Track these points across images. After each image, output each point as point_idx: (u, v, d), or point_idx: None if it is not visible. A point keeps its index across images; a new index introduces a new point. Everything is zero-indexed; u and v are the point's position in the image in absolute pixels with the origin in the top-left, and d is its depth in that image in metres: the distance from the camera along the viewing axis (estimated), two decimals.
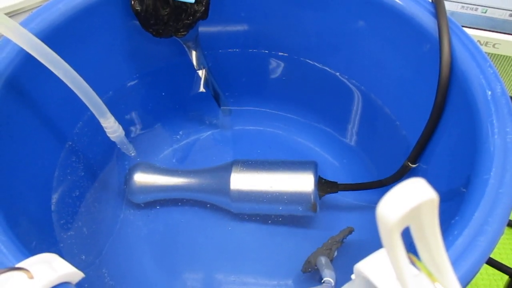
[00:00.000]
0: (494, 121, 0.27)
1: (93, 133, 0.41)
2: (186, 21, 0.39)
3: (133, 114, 0.45)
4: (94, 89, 0.41)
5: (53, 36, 0.34)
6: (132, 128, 0.45)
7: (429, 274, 0.15)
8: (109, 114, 0.36)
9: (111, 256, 0.39)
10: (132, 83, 0.43)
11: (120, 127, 0.38)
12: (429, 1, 0.34)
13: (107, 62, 0.41)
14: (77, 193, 0.39)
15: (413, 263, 0.16)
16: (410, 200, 0.12)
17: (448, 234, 0.23)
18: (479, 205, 0.23)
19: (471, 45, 0.32)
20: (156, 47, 0.42)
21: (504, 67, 0.52)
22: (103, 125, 0.37)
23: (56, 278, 0.21)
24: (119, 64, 0.42)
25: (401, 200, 0.12)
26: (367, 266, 0.20)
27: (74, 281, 0.22)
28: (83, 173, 0.40)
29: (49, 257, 0.22)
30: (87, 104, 0.34)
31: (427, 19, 0.33)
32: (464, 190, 0.27)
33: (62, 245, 0.34)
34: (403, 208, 0.12)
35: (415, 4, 0.34)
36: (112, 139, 0.38)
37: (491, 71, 0.30)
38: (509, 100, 0.29)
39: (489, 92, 0.29)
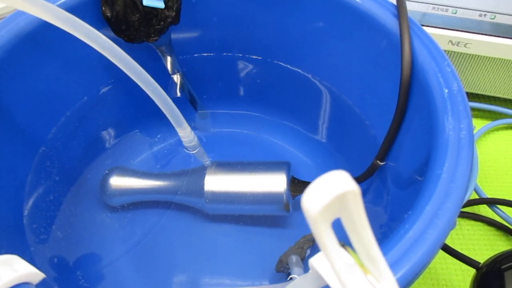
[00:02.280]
0: (450, 118, 0.28)
1: (68, 139, 0.42)
2: (157, 26, 0.40)
3: (109, 119, 0.46)
4: (68, 95, 0.42)
5: (21, 44, 0.34)
6: (109, 133, 0.46)
7: (362, 265, 0.16)
8: (186, 124, 0.37)
9: (87, 259, 0.40)
10: (106, 88, 0.43)
11: (196, 137, 0.39)
12: (392, 3, 0.35)
13: (80, 67, 0.41)
14: (52, 197, 0.39)
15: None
16: (330, 192, 0.13)
17: (400, 228, 0.23)
18: (430, 199, 0.24)
19: (431, 45, 0.32)
20: (130, 53, 0.43)
21: (475, 67, 0.53)
22: (180, 134, 0.38)
23: (15, 278, 0.22)
24: (93, 70, 0.42)
25: (321, 192, 0.13)
26: (319, 260, 0.21)
27: (34, 282, 0.23)
28: (58, 178, 0.40)
29: (9, 258, 0.23)
30: (166, 113, 0.35)
31: (388, 19, 0.34)
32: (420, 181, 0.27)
33: (33, 249, 0.35)
34: (324, 199, 0.13)
35: (379, 6, 0.35)
36: (188, 148, 0.39)
37: (449, 70, 0.31)
38: (465, 97, 0.29)
39: (446, 90, 0.29)
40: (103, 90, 0.44)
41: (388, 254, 0.22)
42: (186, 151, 0.41)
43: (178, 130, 0.37)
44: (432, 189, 0.25)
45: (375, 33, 0.35)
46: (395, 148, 0.36)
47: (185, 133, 0.38)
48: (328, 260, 0.15)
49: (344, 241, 0.18)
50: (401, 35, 0.33)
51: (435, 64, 0.31)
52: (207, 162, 0.42)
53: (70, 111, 0.42)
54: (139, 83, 0.32)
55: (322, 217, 0.13)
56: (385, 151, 0.36)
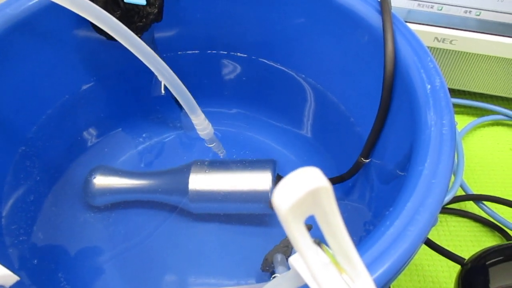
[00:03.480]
0: (432, 114, 0.28)
1: (49, 137, 0.41)
2: (139, 24, 0.39)
3: (92, 118, 0.45)
4: (49, 93, 0.41)
5: (1, 40, 0.33)
6: (91, 131, 0.45)
7: (337, 264, 0.16)
8: (199, 111, 0.37)
9: (69, 260, 0.39)
10: (88, 86, 0.43)
11: (210, 125, 0.39)
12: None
13: (61, 65, 0.41)
14: (32, 198, 0.39)
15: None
16: (301, 188, 0.13)
17: (381, 225, 0.23)
18: (412, 196, 0.24)
19: (414, 40, 0.32)
20: (112, 50, 0.42)
21: (461, 63, 0.53)
22: (194, 122, 0.37)
23: None
24: (74, 67, 0.42)
25: (292, 187, 0.13)
26: (298, 259, 0.21)
27: (7, 284, 0.22)
28: (38, 178, 0.40)
29: None
30: (179, 100, 0.34)
31: (371, 15, 0.34)
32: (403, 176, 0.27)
33: (11, 250, 0.34)
34: (294, 195, 0.13)
35: (362, 1, 0.35)
36: (202, 136, 0.39)
37: (431, 65, 0.30)
38: (447, 93, 0.29)
39: (429, 86, 0.29)
40: (85, 87, 0.43)
41: (368, 252, 0.22)
42: (206, 144, 0.40)
43: (191, 117, 0.37)
44: (414, 185, 0.24)
45: (358, 29, 0.35)
46: (379, 145, 0.36)
47: (199, 120, 0.37)
48: (302, 258, 0.15)
49: (320, 238, 0.18)
50: (384, 31, 0.33)
51: (417, 60, 0.31)
52: (222, 153, 0.42)
53: (52, 109, 0.41)
54: (149, 66, 0.32)
55: (293, 214, 0.13)
56: (369, 149, 0.36)
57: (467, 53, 0.52)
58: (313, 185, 0.13)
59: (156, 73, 0.33)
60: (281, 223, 0.14)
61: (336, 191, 0.43)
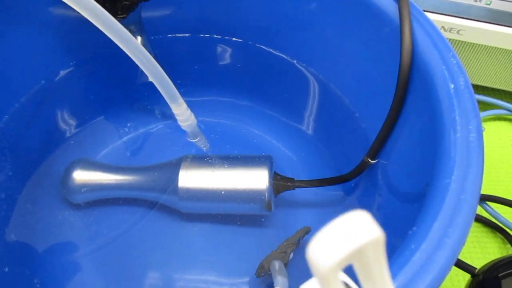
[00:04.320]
0: (457, 118, 0.25)
1: (23, 128, 0.37)
2: (125, 3, 0.35)
3: (71, 105, 0.41)
4: (23, 79, 0.37)
5: None
6: (71, 121, 0.41)
7: None
8: (181, 100, 0.33)
9: (46, 264, 0.36)
10: (67, 71, 0.39)
11: (193, 115, 0.35)
12: None
13: (37, 47, 0.36)
14: (4, 195, 0.35)
15: None
16: (347, 243, 0.10)
17: (404, 248, 0.20)
18: (438, 214, 0.21)
19: (434, 33, 0.29)
20: (94, 31, 0.38)
21: (468, 55, 0.50)
22: (174, 112, 0.33)
23: None
24: (51, 50, 0.37)
25: (338, 243, 0.10)
26: None
27: None
28: (11, 173, 0.36)
29: None
30: (158, 87, 0.30)
31: (387, 3, 0.31)
32: (425, 194, 0.24)
33: None
34: (340, 253, 0.10)
35: None
36: (183, 128, 0.35)
37: (454, 62, 0.27)
38: (473, 93, 0.26)
39: (452, 85, 0.26)
40: (63, 73, 0.39)
41: (393, 280, 0.19)
42: (188, 139, 0.37)
43: (172, 106, 0.33)
44: (440, 202, 0.21)
45: (372, 17, 0.32)
46: (389, 147, 0.33)
47: (180, 110, 0.33)
48: None
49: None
50: (400, 21, 0.30)
51: (438, 55, 0.28)
52: (205, 147, 0.38)
53: (25, 96, 0.37)
54: (121, 46, 0.28)
55: (334, 272, 0.10)
56: (377, 148, 0.33)
57: (474, 44, 0.49)
58: (363, 239, 0.10)
59: (125, 50, 0.28)
60: (314, 276, 0.11)
61: (333, 191, 0.40)
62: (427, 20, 0.30)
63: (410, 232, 0.21)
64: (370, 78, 0.35)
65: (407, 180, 0.29)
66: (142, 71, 0.41)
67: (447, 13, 0.47)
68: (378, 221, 0.30)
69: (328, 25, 0.35)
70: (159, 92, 0.43)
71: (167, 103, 0.45)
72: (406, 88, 0.30)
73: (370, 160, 0.34)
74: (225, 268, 0.38)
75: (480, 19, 0.47)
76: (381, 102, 0.34)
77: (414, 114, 0.30)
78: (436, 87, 0.27)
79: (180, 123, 0.34)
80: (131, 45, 0.28)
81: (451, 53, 0.28)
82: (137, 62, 0.29)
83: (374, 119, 0.35)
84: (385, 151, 0.33)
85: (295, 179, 0.38)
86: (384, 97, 0.33)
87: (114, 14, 0.35)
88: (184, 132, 0.44)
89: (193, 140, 0.37)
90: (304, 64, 0.40)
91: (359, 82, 0.36)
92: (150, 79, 0.30)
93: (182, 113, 0.34)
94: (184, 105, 0.33)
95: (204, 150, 0.38)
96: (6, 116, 0.35)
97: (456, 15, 0.47)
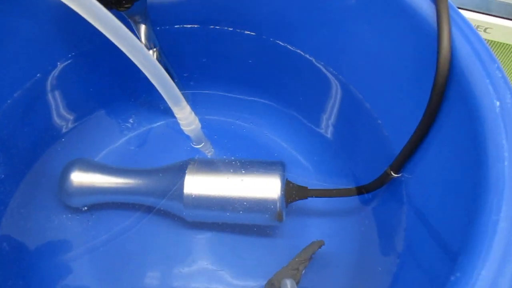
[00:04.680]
0: (504, 142, 0.22)
1: (16, 125, 0.34)
2: None
3: (69, 100, 0.38)
4: (17, 71, 0.34)
5: None
6: (68, 116, 0.38)
7: None
8: (184, 103, 0.29)
9: (41, 273, 0.33)
10: (65, 63, 0.36)
11: (197, 119, 0.31)
12: None
13: (34, 38, 0.33)
14: None
15: None
16: None
17: None
18: (487, 260, 0.18)
19: (476, 40, 0.26)
20: None
21: (495, 55, 0.47)
22: (177, 116, 0.30)
23: None
24: (49, 41, 0.34)
25: None
26: None
27: None
28: (3, 175, 0.33)
29: None
30: (158, 89, 0.27)
31: (424, 4, 0.27)
32: (464, 225, 0.22)
33: None
34: None
35: None
36: (186, 132, 0.32)
37: (500, 75, 0.24)
38: None
39: (498, 103, 0.23)
40: (61, 65, 0.36)
41: None
42: (191, 144, 0.34)
43: (174, 110, 0.29)
44: (487, 245, 0.19)
45: (406, 18, 0.28)
46: (415, 160, 0.30)
47: (183, 114, 0.30)
48: None
49: None
50: (438, 25, 0.27)
51: (481, 67, 0.25)
52: (209, 153, 0.35)
53: (20, 91, 0.34)
54: (119, 45, 0.24)
55: None
56: (402, 161, 0.31)
57: (502, 43, 0.46)
58: None
59: (121, 48, 0.25)
60: None
61: (348, 202, 0.38)
62: (469, 25, 0.26)
63: (452, 278, 0.19)
64: (397, 84, 0.32)
65: (441, 208, 0.27)
66: None
67: (474, 10, 0.44)
68: (404, 244, 0.28)
69: (355, 23, 0.32)
70: None
71: None
72: (441, 100, 0.27)
73: (392, 173, 0.32)
74: (230, 282, 0.35)
75: (509, 17, 0.44)
76: (409, 110, 0.31)
77: (449, 131, 0.27)
78: (478, 104, 0.24)
79: (182, 127, 0.31)
80: (124, 39, 0.24)
81: (496, 65, 0.25)
82: (133, 60, 0.26)
83: (399, 128, 0.32)
84: (412, 166, 0.30)
85: (308, 187, 0.36)
86: (413, 106, 0.30)
87: (118, 4, 0.32)
88: (184, 135, 0.42)
89: (197, 146, 0.34)
90: (323, 63, 0.37)
91: (384, 87, 0.33)
92: (149, 79, 0.27)
93: (186, 117, 0.30)
94: (188, 108, 0.30)
95: (209, 156, 0.36)
96: None
97: (484, 12, 0.44)
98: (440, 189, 0.26)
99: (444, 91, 0.27)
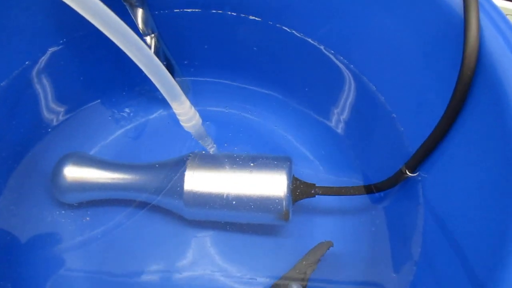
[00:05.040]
0: None
1: (3, 116, 0.32)
2: None
3: (60, 89, 0.35)
4: (3, 58, 0.31)
5: None
6: (59, 107, 0.36)
7: None
8: (184, 97, 0.27)
9: (31, 275, 0.31)
10: (56, 49, 0.33)
11: (197, 114, 0.29)
12: None
13: (22, 23, 0.31)
14: None
15: None
16: None
17: None
18: None
19: (507, 30, 0.23)
20: None
21: None
22: (176, 111, 0.27)
23: None
24: (39, 26, 0.32)
25: None
26: None
27: None
28: None
29: None
30: (155, 82, 0.25)
31: None
32: (493, 244, 0.19)
33: None
34: None
35: None
36: (187, 129, 0.29)
37: None
38: None
39: None
40: (52, 51, 0.34)
41: None
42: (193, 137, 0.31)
43: (172, 105, 0.27)
44: None
45: (428, 2, 0.26)
46: (433, 159, 0.28)
47: (183, 109, 0.28)
48: None
49: None
50: (465, 12, 0.24)
51: None
52: (211, 148, 0.33)
53: (6, 80, 0.32)
54: (108, 34, 0.22)
55: None
56: (419, 160, 0.28)
57: None
58: None
59: (112, 38, 0.22)
60: None
61: (357, 199, 0.36)
62: (499, 13, 0.24)
63: None
64: (415, 75, 0.29)
65: (462, 215, 0.25)
66: None
67: None
68: (421, 252, 0.26)
69: (370, 8, 0.30)
70: None
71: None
72: (465, 95, 0.24)
73: (408, 172, 0.29)
74: (232, 284, 0.33)
75: None
76: (428, 104, 0.29)
77: (474, 128, 0.25)
78: (510, 100, 0.22)
79: (182, 123, 0.29)
80: (114, 28, 0.22)
81: None
82: (125, 50, 0.23)
83: (416, 123, 0.30)
84: (429, 165, 0.28)
85: (316, 184, 0.34)
86: (432, 100, 0.28)
87: None
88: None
89: (199, 141, 0.32)
90: (333, 51, 0.35)
91: (400, 78, 0.31)
92: (144, 71, 0.24)
93: (185, 112, 0.28)
94: (187, 103, 0.28)
95: (211, 152, 0.33)
96: None
97: None
98: (462, 194, 0.24)
99: (470, 85, 0.24)
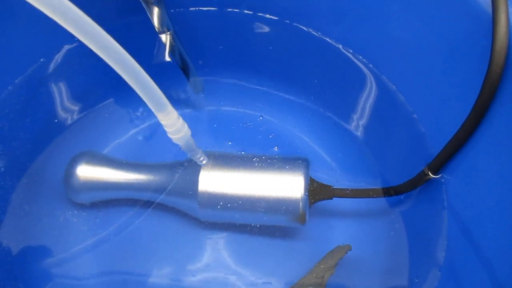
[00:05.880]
0: None
1: (17, 113, 0.32)
2: None
3: (75, 86, 0.35)
4: (18, 55, 0.31)
5: None
6: (73, 106, 0.35)
7: None
8: (170, 108, 0.26)
9: (44, 272, 0.31)
10: (71, 46, 0.33)
11: (186, 125, 0.27)
12: None
13: (37, 19, 0.30)
14: None
15: None
16: None
17: None
18: None
19: None
20: (104, 3, 0.32)
21: None
22: (163, 122, 0.26)
23: None
24: (54, 22, 0.31)
25: None
26: None
27: None
28: (3, 169, 0.31)
29: None
30: (138, 91, 0.23)
31: None
32: None
33: None
34: None
35: None
36: (175, 141, 0.28)
37: None
38: None
39: None
40: (67, 48, 0.33)
41: None
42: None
43: (159, 116, 0.26)
44: None
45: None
46: (459, 161, 0.27)
47: (170, 120, 0.26)
48: None
49: None
50: (494, 6, 0.23)
51: None
52: (203, 161, 0.32)
53: (21, 78, 0.31)
54: (91, 46, 0.21)
55: None
56: (443, 161, 0.27)
57: None
58: None
59: (88, 44, 0.21)
60: None
61: (376, 202, 0.34)
62: None
63: None
64: (438, 73, 0.29)
65: (489, 220, 0.24)
66: (159, 49, 0.35)
67: None
68: (443, 262, 0.24)
69: (390, 6, 0.29)
70: (175, 74, 0.37)
71: (187, 88, 0.39)
72: (494, 93, 0.24)
73: (430, 174, 0.29)
74: (247, 286, 0.33)
75: None
76: (451, 104, 0.28)
77: (502, 128, 0.24)
78: None
79: (170, 135, 0.27)
80: (91, 34, 0.21)
81: None
82: (104, 58, 0.22)
83: (439, 124, 0.29)
84: (453, 166, 0.27)
85: (333, 187, 0.33)
86: (456, 99, 0.27)
87: None
88: (206, 123, 0.39)
89: (188, 154, 0.30)
90: (351, 50, 0.34)
91: (421, 77, 0.30)
92: (126, 80, 0.23)
93: (173, 123, 0.26)
94: (175, 114, 0.26)
95: (201, 164, 0.32)
96: None
97: None
98: (487, 196, 0.23)
99: (499, 84, 0.23)
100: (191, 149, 0.30)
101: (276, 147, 0.37)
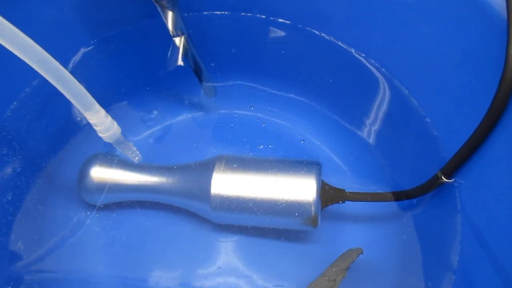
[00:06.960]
0: None
1: (33, 115, 0.32)
2: None
3: (90, 88, 0.35)
4: None
5: None
6: None
7: None
8: (98, 107, 0.27)
9: (58, 276, 0.31)
10: (87, 49, 0.33)
11: (115, 123, 0.29)
12: None
13: (55, 22, 0.31)
14: (10, 196, 0.30)
15: None
16: None
17: None
18: None
19: None
20: (121, 6, 0.32)
21: None
22: (91, 122, 0.27)
23: None
24: (71, 26, 0.32)
25: None
26: None
27: None
28: (19, 169, 0.31)
29: None
30: (65, 94, 0.24)
31: None
32: None
33: None
34: None
35: None
36: (105, 139, 0.29)
37: None
38: None
39: None
40: (83, 51, 0.34)
41: None
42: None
43: (87, 115, 0.27)
44: None
45: (469, 4, 0.25)
46: (473, 165, 0.27)
47: (98, 119, 0.27)
48: None
49: None
50: (509, 11, 0.23)
51: None
52: (136, 158, 0.32)
53: (38, 79, 0.32)
54: (13, 50, 0.21)
55: None
56: (457, 165, 0.27)
57: None
58: None
59: (15, 52, 0.22)
60: None
61: (388, 205, 0.34)
62: None
63: None
64: (451, 78, 0.29)
65: (506, 227, 0.23)
66: (172, 53, 0.36)
67: None
68: (457, 266, 0.24)
69: (404, 10, 0.29)
70: (187, 78, 0.37)
71: (196, 92, 0.39)
72: (508, 97, 0.24)
73: (444, 178, 0.28)
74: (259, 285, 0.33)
75: None
76: (465, 108, 0.28)
77: None
78: None
79: (100, 134, 0.28)
80: (9, 35, 0.21)
81: None
82: (25, 60, 0.22)
83: (452, 127, 0.29)
84: (467, 170, 0.27)
85: (345, 190, 0.33)
86: (470, 103, 0.27)
87: None
88: (218, 126, 0.39)
89: (121, 150, 0.31)
90: (364, 54, 0.34)
91: (435, 81, 0.30)
92: (51, 82, 0.24)
93: (101, 122, 0.27)
94: (102, 112, 0.27)
95: (136, 162, 0.33)
96: (15, 103, 0.30)
97: None
98: (501, 201, 0.23)
99: None
100: (123, 146, 0.30)
101: (287, 150, 0.37)
